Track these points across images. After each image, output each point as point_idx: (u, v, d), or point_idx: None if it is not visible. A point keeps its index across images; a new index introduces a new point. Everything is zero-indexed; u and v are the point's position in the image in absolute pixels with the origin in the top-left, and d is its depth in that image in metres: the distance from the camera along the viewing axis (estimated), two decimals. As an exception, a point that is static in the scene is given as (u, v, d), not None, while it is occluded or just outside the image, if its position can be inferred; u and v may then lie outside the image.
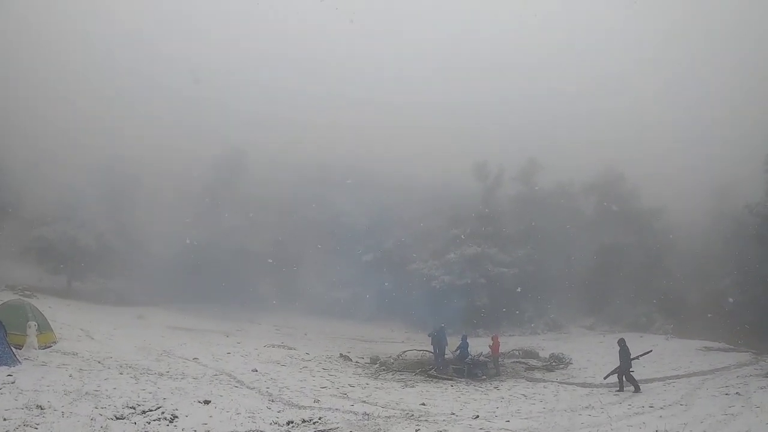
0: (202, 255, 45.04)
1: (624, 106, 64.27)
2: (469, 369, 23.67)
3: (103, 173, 47.50)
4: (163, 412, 12.80)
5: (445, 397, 18.59)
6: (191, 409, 13.29)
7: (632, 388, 19.07)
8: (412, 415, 15.22)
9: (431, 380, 22.43)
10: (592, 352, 29.97)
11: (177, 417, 12.55)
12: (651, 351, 21.46)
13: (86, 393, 13.86)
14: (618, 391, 19.18)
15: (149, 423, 12.03)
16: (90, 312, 34.89)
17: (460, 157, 52.64)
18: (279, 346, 28.15)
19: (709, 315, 36.70)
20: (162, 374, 17.68)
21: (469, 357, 24.55)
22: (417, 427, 13.45)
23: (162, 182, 49.09)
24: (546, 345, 33.47)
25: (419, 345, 30.03)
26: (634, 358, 19.65)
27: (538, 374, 24.41)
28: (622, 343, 20.11)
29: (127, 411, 12.76)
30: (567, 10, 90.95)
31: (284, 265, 48.76)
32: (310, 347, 29.88)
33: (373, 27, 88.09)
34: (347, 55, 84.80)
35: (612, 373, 20.06)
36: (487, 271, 43.69)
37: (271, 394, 16.49)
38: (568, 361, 26.29)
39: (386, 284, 48.17)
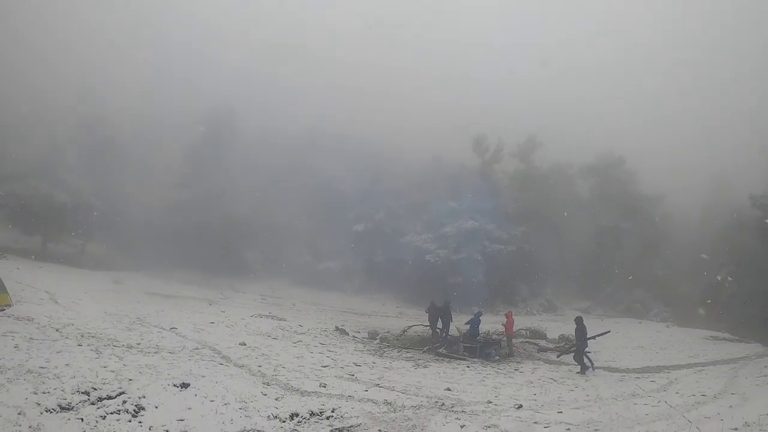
0: (186, 219, 40.86)
1: (626, 93, 60.82)
2: (481, 348, 20.45)
3: (84, 130, 42.79)
4: (125, 401, 9.24)
5: (469, 381, 15.36)
6: (163, 397, 9.72)
7: (583, 367, 17.96)
8: (443, 404, 11.94)
9: (442, 359, 19.12)
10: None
11: (143, 408, 9.02)
12: (609, 332, 21.38)
13: (28, 371, 10.29)
14: (578, 372, 17.82)
15: (103, 418, 8.49)
16: (62, 275, 30.86)
17: (458, 130, 48.87)
18: (267, 316, 24.53)
19: (708, 303, 34.80)
20: (131, 347, 14.03)
21: (480, 335, 21.34)
22: (460, 422, 10.10)
23: (147, 141, 44.28)
24: (548, 326, 30.54)
25: (416, 320, 27.04)
26: (590, 338, 19.01)
27: (552, 356, 21.46)
28: (579, 321, 19.16)
29: (77, 398, 9.19)
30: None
31: (271, 233, 44.87)
32: (301, 319, 26.34)
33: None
34: (346, 14, 79.54)
35: (566, 352, 19.61)
36: (484, 248, 40.37)
37: (264, 375, 12.97)
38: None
39: (377, 256, 44.81)
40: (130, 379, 10.78)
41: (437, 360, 18.89)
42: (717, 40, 66.98)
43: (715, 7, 71.95)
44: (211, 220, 41.15)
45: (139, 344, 14.48)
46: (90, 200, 41.03)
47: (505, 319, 21.98)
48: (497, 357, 20.34)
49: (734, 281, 35.04)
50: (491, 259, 40.30)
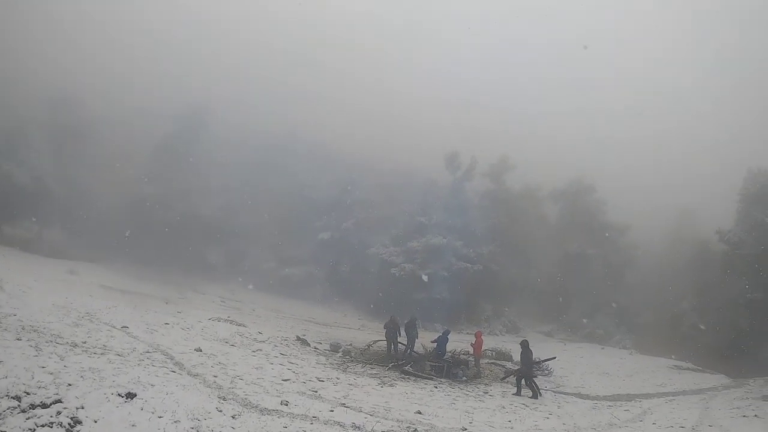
0: (149, 213, 38.93)
1: (600, 123, 61.48)
2: (449, 367, 19.58)
3: (53, 111, 40.51)
4: (59, 412, 7.95)
5: (439, 403, 14.41)
6: (105, 409, 8.46)
7: (530, 392, 17.39)
8: (415, 429, 10.90)
9: (408, 378, 18.11)
10: (564, 361, 26.47)
11: (80, 422, 7.77)
12: (555, 357, 21.31)
13: (-50, 368, 8.80)
14: (515, 394, 17.34)
15: (33, 431, 7.13)
16: (13, 260, 28.83)
17: (431, 146, 48.53)
18: (226, 320, 23.11)
19: (670, 333, 34.85)
20: (76, 345, 12.60)
21: (448, 354, 20.49)
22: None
23: (118, 130, 42.19)
24: (512, 347, 29.82)
25: (378, 334, 25.96)
26: (537, 362, 18.74)
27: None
28: (524, 345, 18.45)
29: (5, 403, 7.91)
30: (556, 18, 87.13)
31: (236, 234, 43.25)
32: (261, 325, 25.00)
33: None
34: (334, 25, 78.57)
35: (511, 375, 18.86)
36: (450, 264, 39.73)
37: (220, 387, 11.73)
38: (546, 367, 22.80)
39: (342, 266, 43.70)
40: (70, 384, 9.46)
41: (403, 378, 17.87)
42: (690, 74, 68.71)
43: (690, 43, 73.90)
44: (175, 216, 39.41)
45: (85, 343, 13.06)
46: (51, 184, 38.74)
47: (474, 339, 21.16)
48: (464, 377, 19.52)
49: (696, 312, 35.28)
50: (457, 276, 39.69)
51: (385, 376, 17.58)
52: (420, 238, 40.72)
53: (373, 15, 78.86)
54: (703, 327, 33.54)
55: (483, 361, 23.18)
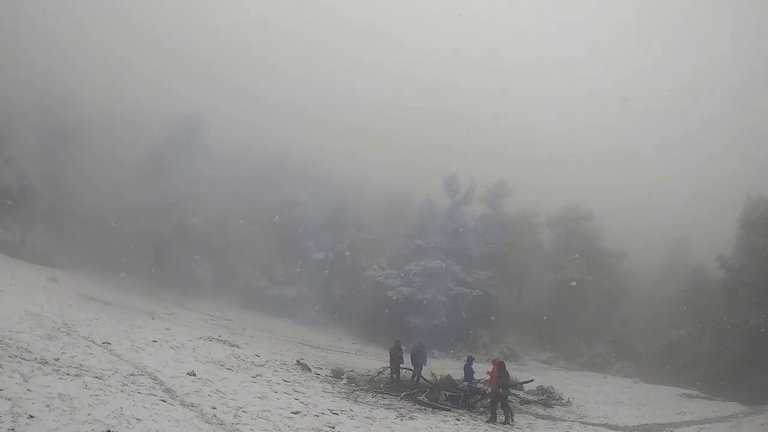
0: (138, 223, 36.17)
1: (600, 149, 59.78)
2: (465, 397, 17.25)
3: (45, 110, 37.99)
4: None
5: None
6: (75, 457, 6.01)
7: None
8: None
9: (425, 408, 15.75)
10: (572, 390, 24.19)
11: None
12: (533, 380, 20.25)
13: None
14: (488, 421, 15.18)
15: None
16: (-8, 264, 26.01)
17: (429, 167, 46.72)
18: (219, 340, 20.60)
19: (669, 361, 33.10)
20: (46, 362, 10.18)
21: (464, 383, 18.18)
22: None
23: (111, 135, 39.58)
24: (514, 375, 27.62)
25: (377, 359, 24.03)
26: (516, 384, 17.29)
27: (538, 409, 18.77)
28: (501, 367, 16.23)
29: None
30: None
31: (226, 250, 40.56)
32: (254, 346, 22.50)
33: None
34: (331, 49, 77.11)
35: (483, 396, 17.08)
36: (449, 289, 37.46)
37: (222, 423, 9.31)
38: (559, 395, 21.10)
39: (336, 288, 41.15)
40: (31, 417, 7.07)
41: (420, 410, 15.49)
42: (686, 97, 68.03)
43: (685, 62, 73.33)
44: (164, 227, 36.75)
45: (57, 360, 10.61)
46: (37, 185, 35.96)
47: (491, 367, 18.79)
48: (482, 408, 17.25)
49: (694, 339, 33.63)
50: (455, 301, 37.44)
51: (401, 407, 15.21)
52: (418, 261, 38.45)
53: (372, 32, 77.36)
54: (702, 354, 31.90)
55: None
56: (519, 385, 18.81)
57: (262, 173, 44.33)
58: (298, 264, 42.12)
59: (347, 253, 42.49)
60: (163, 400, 9.64)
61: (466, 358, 20.16)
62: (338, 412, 12.48)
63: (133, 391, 9.66)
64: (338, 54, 76.11)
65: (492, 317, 38.20)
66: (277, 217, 40.84)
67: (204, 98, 45.83)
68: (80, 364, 10.84)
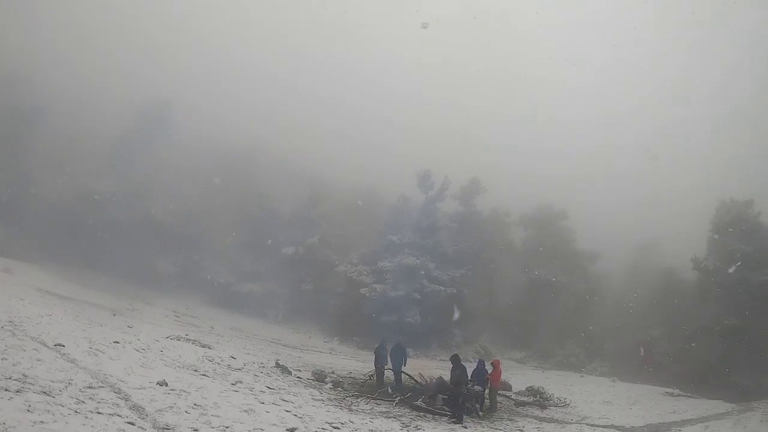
0: (99, 213, 32.83)
1: (573, 149, 58.46)
2: (463, 400, 15.47)
3: (1, 95, 34.23)
4: None
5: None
6: None
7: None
8: None
9: (424, 415, 13.91)
10: (557, 389, 22.97)
11: None
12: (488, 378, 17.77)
13: None
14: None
15: None
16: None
17: (400, 165, 44.82)
18: (187, 339, 18.12)
19: (642, 362, 32.52)
20: (-25, 375, 7.66)
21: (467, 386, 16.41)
22: None
23: (68, 119, 35.82)
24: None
25: (352, 358, 22.29)
26: (474, 382, 15.73)
27: (535, 411, 17.58)
28: (455, 360, 15.34)
29: None
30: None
31: (192, 244, 37.54)
32: (226, 346, 20.16)
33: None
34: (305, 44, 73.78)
35: (435, 394, 15.60)
36: (423, 287, 35.66)
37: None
38: (550, 395, 20.02)
39: (306, 284, 38.79)
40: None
41: (420, 416, 13.63)
42: (664, 100, 68.04)
43: (662, 65, 73.32)
44: (127, 219, 33.43)
45: (-8, 371, 8.13)
46: None
47: (491, 368, 17.10)
48: (481, 412, 15.64)
49: (666, 339, 33.13)
50: (429, 299, 35.67)
51: (400, 415, 13.35)
52: (392, 258, 36.42)
53: (346, 34, 74.37)
54: (674, 354, 31.43)
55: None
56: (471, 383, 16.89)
57: (231, 165, 41.35)
58: (267, 260, 39.62)
59: (318, 248, 40.22)
60: (130, 423, 7.37)
61: (477, 361, 18.38)
62: (339, 426, 10.45)
63: (91, 411, 7.36)
64: (314, 53, 73.09)
65: (466, 316, 36.68)
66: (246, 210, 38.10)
67: (174, 86, 42.42)
68: (24, 375, 8.43)
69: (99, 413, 7.40)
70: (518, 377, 26.90)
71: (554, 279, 38.85)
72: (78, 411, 7.23)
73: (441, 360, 31.28)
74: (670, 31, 72.20)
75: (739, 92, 57.69)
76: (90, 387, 8.76)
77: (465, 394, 15.86)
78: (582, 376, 30.95)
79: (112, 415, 7.50)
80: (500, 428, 13.64)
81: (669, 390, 26.21)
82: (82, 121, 36.91)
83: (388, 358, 18.21)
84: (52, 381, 8.47)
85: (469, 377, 16.13)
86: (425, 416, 13.73)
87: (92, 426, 6.76)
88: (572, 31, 76.44)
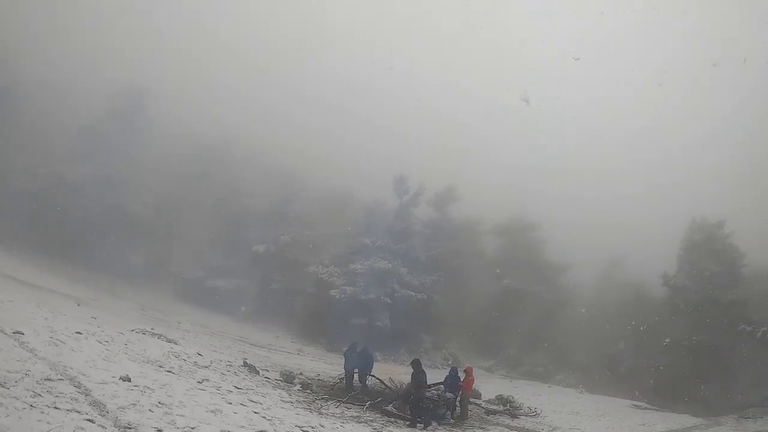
0: (67, 199, 31.56)
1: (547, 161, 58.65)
2: (434, 408, 15.21)
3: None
4: None
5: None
6: None
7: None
8: None
9: (396, 421, 13.62)
10: (525, 399, 22.92)
11: None
12: (442, 383, 16.74)
13: None
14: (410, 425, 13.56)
15: None
16: None
17: (376, 168, 44.59)
18: (153, 334, 17.39)
19: (609, 374, 32.84)
20: None
21: (434, 393, 16.12)
22: None
23: (37, 101, 34.26)
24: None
25: (321, 360, 22.19)
26: (433, 385, 15.44)
27: (506, 420, 17.42)
28: (416, 365, 14.90)
29: None
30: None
31: (162, 236, 36.46)
32: (192, 342, 19.50)
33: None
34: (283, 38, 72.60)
35: (393, 401, 15.24)
36: (394, 291, 35.43)
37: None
38: (520, 405, 19.99)
39: (275, 283, 38.09)
40: None
41: (392, 422, 13.35)
42: (635, 115, 68.78)
43: (636, 80, 73.89)
44: (96, 206, 32.20)
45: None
46: None
47: (464, 375, 16.86)
48: (452, 420, 15.43)
49: (632, 353, 33.53)
50: (399, 304, 35.46)
51: (371, 420, 13.01)
52: (364, 261, 36.10)
53: (331, 34, 73.41)
54: (640, 367, 31.92)
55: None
56: (431, 387, 16.67)
57: (205, 157, 40.39)
58: (238, 256, 38.79)
59: (290, 247, 39.59)
60: (90, 420, 6.86)
61: (449, 368, 18.18)
62: (309, 430, 10.07)
63: (47, 406, 6.82)
64: (297, 49, 72.01)
65: (436, 322, 36.63)
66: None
67: (152, 74, 41.16)
68: (-24, 364, 7.78)
69: (56, 408, 6.87)
70: (487, 385, 26.83)
71: (524, 289, 39.14)
72: (33, 405, 6.69)
73: (409, 366, 31.12)
74: (631, 53, 73.98)
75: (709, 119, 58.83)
76: (48, 379, 8.18)
77: (427, 398, 15.69)
78: (549, 387, 31.10)
79: (70, 410, 6.97)
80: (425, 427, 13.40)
81: (636, 403, 26.64)
82: (54, 108, 35.48)
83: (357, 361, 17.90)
84: (7, 371, 7.88)
85: (443, 384, 15.95)
86: (396, 422, 13.43)
87: (48, 422, 6.24)
88: (548, 53, 77.46)
